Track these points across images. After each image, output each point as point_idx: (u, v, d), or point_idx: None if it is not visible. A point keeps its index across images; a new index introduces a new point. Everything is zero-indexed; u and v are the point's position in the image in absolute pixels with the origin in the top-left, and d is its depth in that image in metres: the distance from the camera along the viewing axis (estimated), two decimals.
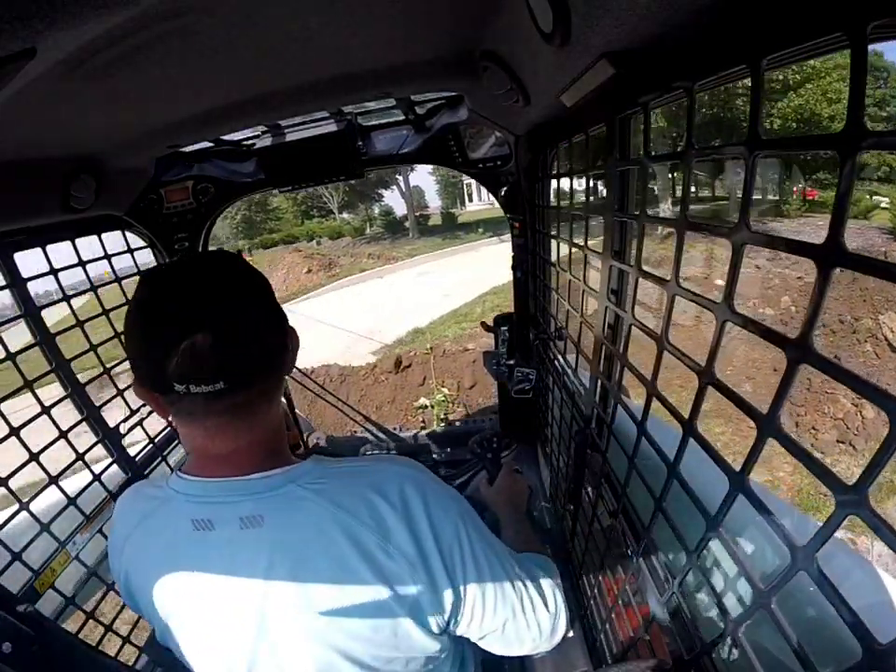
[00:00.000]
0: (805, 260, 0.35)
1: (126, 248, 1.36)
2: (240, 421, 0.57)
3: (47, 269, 1.12)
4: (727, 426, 5.01)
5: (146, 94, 0.73)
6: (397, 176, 24.99)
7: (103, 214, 1.22)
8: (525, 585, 0.67)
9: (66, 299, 1.17)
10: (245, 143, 1.41)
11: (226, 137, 1.30)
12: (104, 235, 1.27)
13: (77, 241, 1.19)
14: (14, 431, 0.96)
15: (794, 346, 0.37)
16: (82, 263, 1.19)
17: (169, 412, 0.57)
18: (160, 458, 1.40)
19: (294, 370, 0.75)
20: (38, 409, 1.05)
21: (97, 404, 1.22)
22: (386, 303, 11.91)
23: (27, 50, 0.36)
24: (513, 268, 1.59)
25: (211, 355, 0.50)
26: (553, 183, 1.18)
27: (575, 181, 1.06)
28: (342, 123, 1.25)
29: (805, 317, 0.36)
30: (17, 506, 0.95)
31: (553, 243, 1.19)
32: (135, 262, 1.42)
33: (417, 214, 25.62)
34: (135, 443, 1.37)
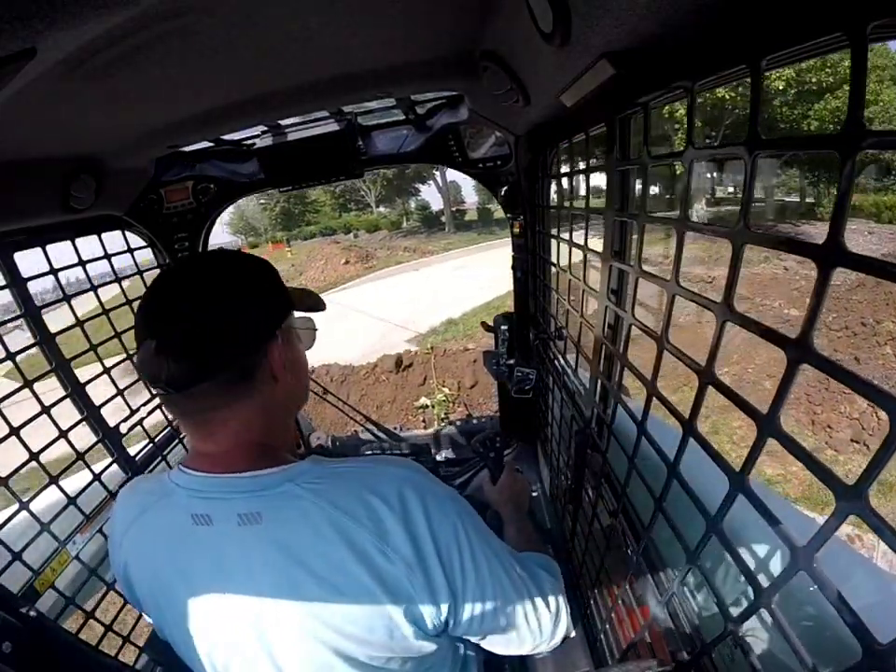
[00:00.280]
0: None
1: (126, 248, 1.36)
2: (220, 422, 0.59)
3: (50, 268, 1.12)
4: (744, 419, 5.03)
5: (146, 94, 0.73)
6: (434, 171, 25.26)
7: (103, 214, 1.22)
8: (525, 586, 0.67)
9: (66, 298, 1.17)
10: (245, 143, 1.41)
11: (226, 137, 1.30)
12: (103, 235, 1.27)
13: (82, 242, 1.20)
14: (14, 431, 0.96)
15: (794, 346, 0.37)
16: (82, 263, 1.19)
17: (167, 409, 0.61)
18: (160, 458, 1.40)
19: None
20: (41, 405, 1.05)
21: (99, 402, 1.22)
22: (422, 295, 12.13)
23: (27, 50, 0.36)
24: (513, 268, 1.59)
25: (171, 358, 0.54)
26: (554, 183, 1.18)
27: (575, 181, 1.06)
28: (342, 123, 1.25)
29: (805, 317, 0.36)
30: (17, 506, 0.95)
31: (553, 243, 1.19)
32: (135, 262, 1.43)
33: (454, 209, 25.80)
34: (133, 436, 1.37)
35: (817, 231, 13.17)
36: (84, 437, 1.16)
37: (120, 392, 1.28)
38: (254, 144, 1.32)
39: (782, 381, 0.39)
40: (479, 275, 13.07)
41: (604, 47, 0.51)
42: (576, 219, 1.05)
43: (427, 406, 5.44)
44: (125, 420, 1.29)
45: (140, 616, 1.11)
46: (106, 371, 1.25)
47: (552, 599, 0.70)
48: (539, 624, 0.68)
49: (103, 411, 1.22)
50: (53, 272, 1.13)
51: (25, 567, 0.92)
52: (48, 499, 1.04)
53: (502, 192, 1.45)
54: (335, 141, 1.26)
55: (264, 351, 0.59)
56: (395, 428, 2.22)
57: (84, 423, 1.18)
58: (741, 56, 0.41)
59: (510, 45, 0.72)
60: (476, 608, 0.61)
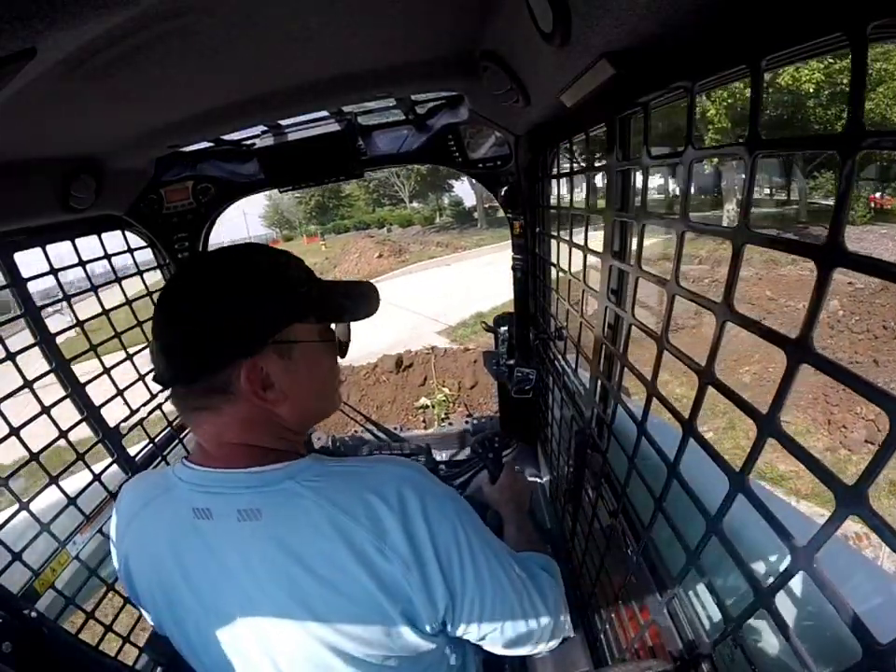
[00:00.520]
0: None
1: (126, 248, 1.36)
2: (213, 420, 0.60)
3: (50, 268, 1.12)
4: None
5: (146, 94, 0.73)
6: None
7: (103, 214, 1.22)
8: (525, 586, 0.66)
9: (66, 298, 1.17)
10: (245, 143, 1.41)
11: (226, 137, 1.30)
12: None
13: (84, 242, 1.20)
14: (14, 431, 0.96)
15: (794, 346, 0.37)
16: (82, 263, 1.19)
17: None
18: (160, 458, 1.40)
19: None
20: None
21: (100, 402, 1.22)
22: (453, 290, 12.26)
23: (27, 50, 0.36)
24: (513, 268, 1.59)
25: (164, 358, 0.59)
26: (554, 183, 1.18)
27: (575, 181, 1.06)
28: (342, 123, 1.25)
29: (804, 317, 0.36)
30: (17, 506, 0.95)
31: (553, 243, 1.19)
32: (135, 262, 1.43)
33: (486, 205, 25.82)
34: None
35: (851, 235, 12.84)
36: (80, 432, 1.16)
37: (120, 392, 1.28)
38: (254, 144, 1.32)
39: (782, 381, 0.39)
40: (509, 271, 13.09)
41: (604, 47, 0.51)
42: (576, 219, 1.05)
43: (426, 406, 5.44)
44: (125, 420, 1.29)
45: (140, 616, 1.11)
46: (107, 371, 1.25)
47: (551, 600, 0.70)
48: (539, 625, 0.68)
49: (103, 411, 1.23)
50: (53, 272, 1.13)
51: (25, 567, 0.92)
52: (48, 499, 1.04)
53: (502, 192, 1.45)
54: (335, 141, 1.26)
55: (236, 368, 0.56)
56: (395, 429, 2.21)
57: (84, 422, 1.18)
58: (741, 56, 0.41)
59: (510, 45, 0.72)
60: (474, 608, 0.60)
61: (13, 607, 0.80)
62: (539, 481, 1.74)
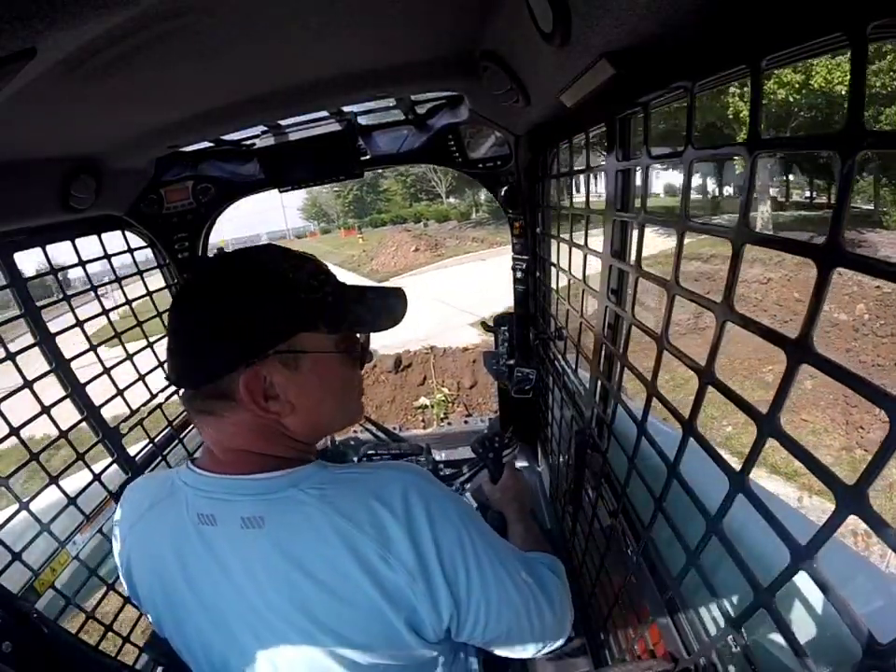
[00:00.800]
0: None
1: (126, 248, 1.36)
2: (217, 426, 0.60)
3: (50, 268, 1.12)
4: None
5: (146, 94, 0.73)
6: None
7: (103, 214, 1.22)
8: (530, 590, 0.66)
9: (66, 298, 1.17)
10: (245, 143, 1.41)
11: (226, 137, 1.30)
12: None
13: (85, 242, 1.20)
14: (14, 431, 0.96)
15: (795, 346, 0.37)
16: (82, 263, 1.19)
17: None
18: (160, 458, 1.40)
19: None
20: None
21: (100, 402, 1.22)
22: (488, 284, 12.34)
23: (27, 50, 0.36)
24: (514, 268, 1.59)
25: (172, 359, 0.59)
26: (553, 183, 1.18)
27: (575, 181, 1.06)
28: (342, 123, 1.25)
29: (804, 318, 0.36)
30: (17, 506, 0.95)
31: (554, 243, 1.19)
32: (135, 262, 1.43)
33: None
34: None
35: (878, 237, 12.19)
36: (80, 432, 1.16)
37: (120, 392, 1.28)
38: (254, 144, 1.32)
39: (782, 381, 0.39)
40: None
41: (604, 47, 0.51)
42: (576, 219, 1.05)
43: (426, 406, 5.44)
44: (125, 420, 1.29)
45: (140, 616, 1.11)
46: (107, 371, 1.25)
47: (557, 602, 0.70)
48: (544, 629, 0.67)
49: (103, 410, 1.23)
50: (53, 271, 1.13)
51: (25, 567, 0.92)
52: (48, 499, 1.04)
53: (502, 192, 1.45)
54: (335, 141, 1.26)
55: (237, 375, 0.55)
56: (394, 428, 2.21)
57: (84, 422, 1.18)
58: (741, 56, 0.41)
59: (510, 45, 0.72)
60: (479, 615, 0.60)
61: (13, 607, 0.80)
62: (539, 481, 1.74)
